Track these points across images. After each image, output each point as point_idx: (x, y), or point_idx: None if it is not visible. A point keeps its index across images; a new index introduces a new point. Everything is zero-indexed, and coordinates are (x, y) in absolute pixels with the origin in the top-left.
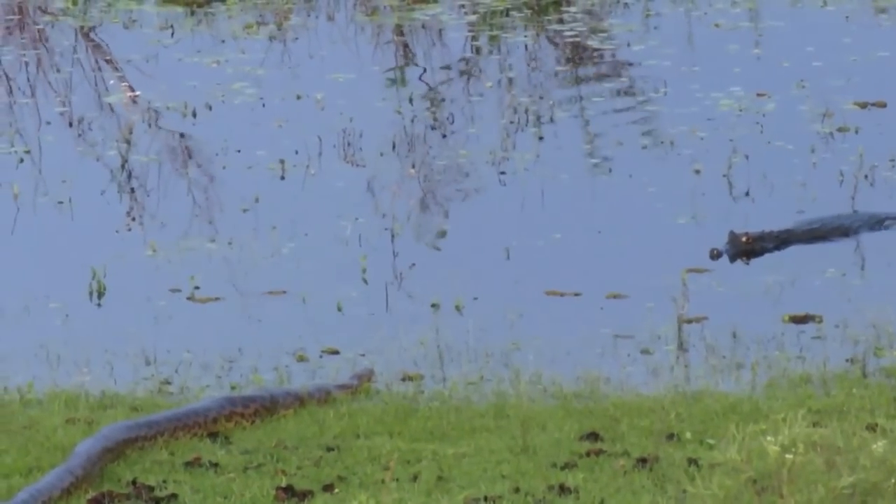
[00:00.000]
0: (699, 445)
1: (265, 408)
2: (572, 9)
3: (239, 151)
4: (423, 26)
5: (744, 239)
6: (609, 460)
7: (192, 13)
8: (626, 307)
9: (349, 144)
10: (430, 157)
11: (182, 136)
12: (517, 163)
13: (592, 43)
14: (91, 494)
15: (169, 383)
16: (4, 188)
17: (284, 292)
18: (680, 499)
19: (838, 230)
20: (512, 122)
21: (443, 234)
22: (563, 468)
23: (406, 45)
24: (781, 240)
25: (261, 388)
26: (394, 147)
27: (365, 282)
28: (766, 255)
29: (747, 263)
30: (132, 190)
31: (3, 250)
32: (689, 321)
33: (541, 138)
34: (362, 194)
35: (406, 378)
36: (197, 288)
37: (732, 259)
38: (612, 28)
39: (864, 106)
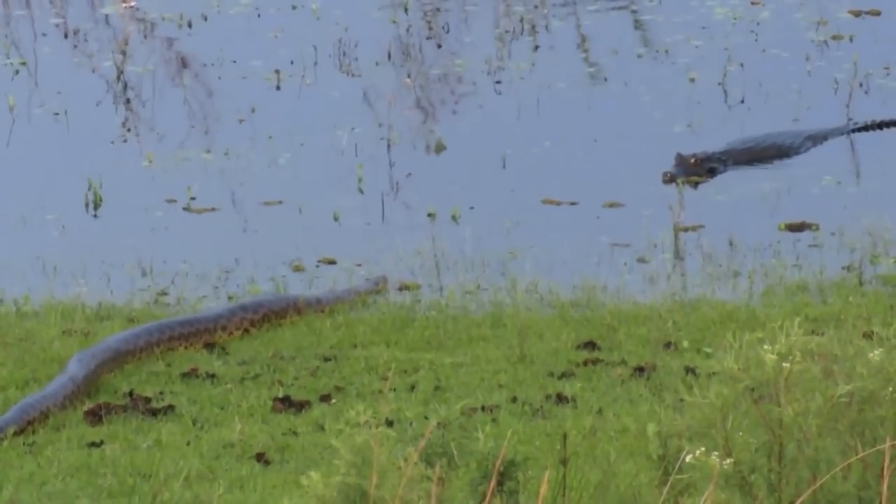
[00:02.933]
0: (696, 354)
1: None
2: None
3: (234, 62)
4: None
5: (692, 161)
6: (606, 369)
7: None
8: (622, 216)
9: (345, 54)
10: (426, 67)
11: (178, 46)
12: (513, 72)
13: None
14: (88, 406)
15: (165, 294)
16: (0, 100)
17: (281, 202)
18: (677, 407)
19: (788, 149)
20: (507, 32)
21: (441, 147)
22: (560, 377)
23: None
24: (726, 161)
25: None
26: (389, 57)
27: (361, 191)
28: (718, 176)
29: (695, 188)
30: (128, 101)
31: (0, 162)
32: (686, 229)
33: (536, 47)
34: (358, 104)
35: (403, 288)
36: (193, 199)
37: (679, 179)
38: None
39: (858, 14)
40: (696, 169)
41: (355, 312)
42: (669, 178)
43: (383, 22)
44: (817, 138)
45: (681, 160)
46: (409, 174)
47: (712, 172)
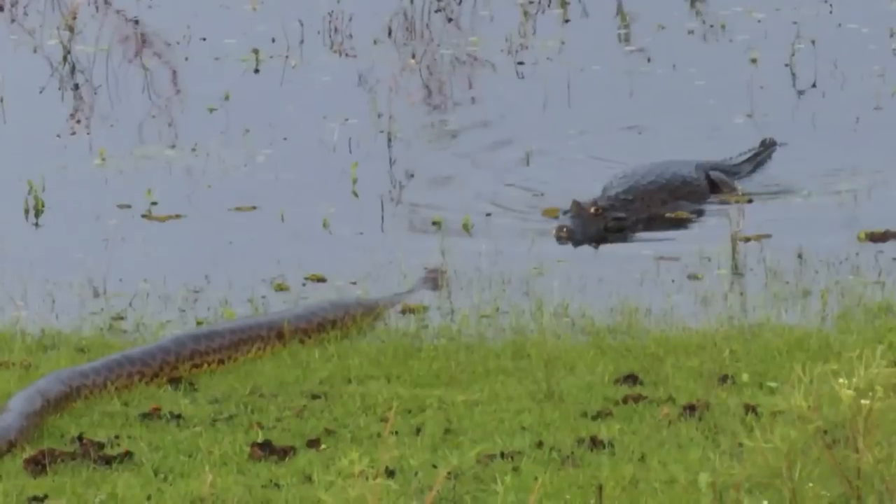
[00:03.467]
0: (758, 389)
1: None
2: None
3: (204, 40)
4: None
5: (593, 210)
6: (650, 408)
7: None
8: (670, 223)
9: (336, 30)
10: (434, 46)
11: (136, 21)
12: (538, 51)
13: None
14: (29, 453)
15: (122, 319)
16: None
17: (259, 208)
18: (735, 453)
19: (692, 183)
20: (532, 2)
21: (449, 132)
22: (594, 418)
23: None
24: (632, 202)
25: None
26: (390, 33)
27: (356, 195)
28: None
29: (596, 248)
30: (76, 87)
31: None
32: (747, 240)
33: (566, 21)
34: (353, 90)
35: (406, 311)
36: (154, 204)
37: (580, 241)
38: None
39: None
40: (599, 220)
41: (349, 341)
42: (565, 235)
43: None
44: (707, 168)
45: (578, 210)
46: (412, 176)
47: (620, 222)
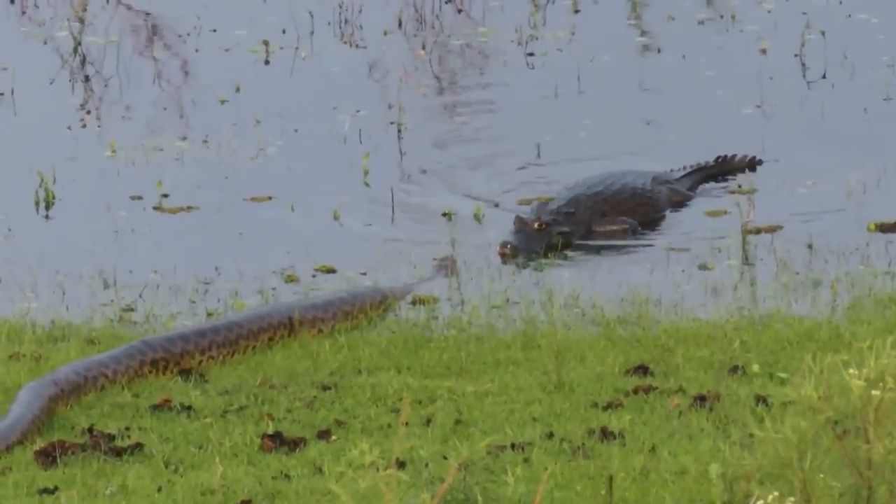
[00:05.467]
0: (768, 380)
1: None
2: None
3: (214, 31)
4: None
5: (536, 225)
6: (660, 399)
7: None
8: (680, 214)
9: (346, 21)
10: (444, 36)
11: (146, 13)
12: (549, 42)
13: None
14: (39, 445)
15: (132, 310)
16: None
17: (270, 199)
18: (745, 444)
19: (643, 195)
20: None
21: (459, 122)
22: (605, 408)
23: None
24: (575, 215)
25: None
26: (400, 24)
27: (367, 185)
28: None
29: (540, 268)
30: (87, 78)
31: None
32: (757, 231)
33: (577, 11)
34: (363, 81)
35: (417, 301)
36: (165, 196)
37: (524, 258)
38: None
39: None
40: (543, 235)
41: (359, 332)
42: (510, 252)
43: None
44: (664, 180)
45: (521, 225)
46: (425, 171)
47: (566, 236)
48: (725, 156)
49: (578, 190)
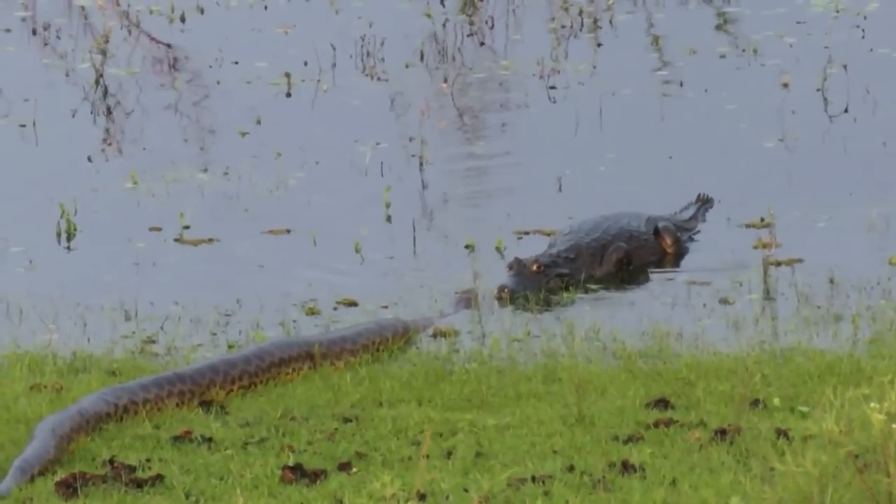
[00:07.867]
0: (789, 414)
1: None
2: None
3: (236, 63)
4: None
5: (534, 267)
6: (681, 432)
7: None
8: (701, 248)
9: (368, 54)
10: (466, 70)
11: (168, 45)
12: (570, 75)
13: None
14: (60, 476)
15: (153, 342)
16: None
17: (291, 232)
18: (766, 478)
19: (639, 237)
20: (564, 27)
21: (481, 156)
22: (626, 442)
23: None
24: (574, 260)
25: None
26: (422, 57)
27: (388, 219)
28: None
29: (540, 312)
30: (108, 110)
31: None
32: (778, 264)
33: (598, 45)
34: (384, 114)
35: (438, 334)
36: (186, 227)
37: (522, 301)
38: None
39: None
40: (541, 278)
41: (380, 364)
42: (507, 295)
43: (415, 15)
44: (656, 220)
45: (519, 268)
46: (447, 201)
47: (563, 279)
48: (702, 195)
49: (577, 236)
